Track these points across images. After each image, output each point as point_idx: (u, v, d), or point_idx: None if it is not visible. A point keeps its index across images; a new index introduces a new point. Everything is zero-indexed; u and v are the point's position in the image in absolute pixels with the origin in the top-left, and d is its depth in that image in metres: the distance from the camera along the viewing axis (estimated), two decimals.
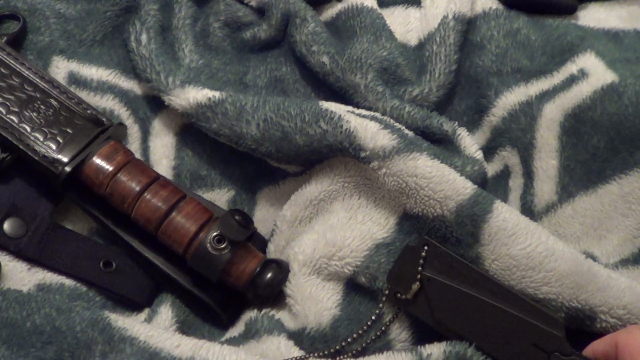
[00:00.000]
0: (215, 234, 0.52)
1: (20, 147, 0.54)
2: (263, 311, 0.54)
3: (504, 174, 0.61)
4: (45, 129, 0.55)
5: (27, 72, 0.57)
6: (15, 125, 0.54)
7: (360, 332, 0.53)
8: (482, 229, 0.51)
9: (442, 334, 0.51)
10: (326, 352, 0.52)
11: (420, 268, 0.51)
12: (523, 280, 0.50)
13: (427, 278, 0.51)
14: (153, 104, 0.62)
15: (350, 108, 0.58)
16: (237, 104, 0.57)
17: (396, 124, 0.57)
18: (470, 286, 0.50)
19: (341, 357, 0.52)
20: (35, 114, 0.55)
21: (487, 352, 0.49)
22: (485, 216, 0.51)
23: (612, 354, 0.45)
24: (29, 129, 0.54)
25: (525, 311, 0.49)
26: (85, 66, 0.61)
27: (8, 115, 0.54)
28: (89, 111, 0.57)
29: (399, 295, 0.51)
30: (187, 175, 0.61)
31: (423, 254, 0.51)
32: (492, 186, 0.61)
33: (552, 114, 0.59)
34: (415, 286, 0.51)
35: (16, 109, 0.55)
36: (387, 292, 0.52)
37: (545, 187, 0.59)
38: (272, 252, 0.58)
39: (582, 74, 0.60)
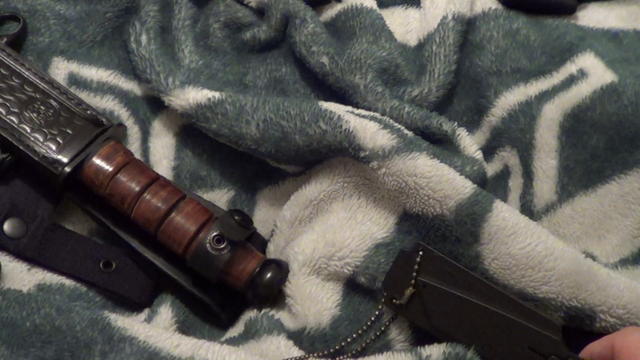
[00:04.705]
0: (214, 234, 0.52)
1: (20, 147, 0.54)
2: (263, 311, 0.54)
3: (504, 174, 0.61)
4: (45, 130, 0.55)
5: (27, 73, 0.57)
6: (15, 126, 0.54)
7: (359, 332, 0.53)
8: (482, 228, 0.51)
9: (439, 338, 0.51)
10: (326, 352, 0.52)
11: (415, 273, 0.51)
12: (522, 279, 0.50)
13: (423, 283, 0.51)
14: (153, 104, 0.62)
15: (349, 108, 0.58)
16: (237, 105, 0.57)
17: (396, 124, 0.57)
18: (466, 291, 0.50)
19: (341, 357, 0.52)
20: (35, 115, 0.55)
21: (483, 356, 0.49)
22: (485, 215, 0.51)
23: (608, 355, 0.45)
24: (29, 130, 0.54)
25: (522, 315, 0.49)
26: (85, 67, 0.61)
27: (8, 116, 0.55)
28: (88, 112, 0.57)
29: (395, 300, 0.51)
30: (187, 176, 0.61)
31: (418, 259, 0.51)
32: (492, 186, 0.61)
33: (552, 114, 0.59)
34: (409, 291, 0.51)
35: (16, 110, 0.55)
36: (384, 297, 0.52)
37: (545, 187, 0.59)
38: (272, 252, 0.58)
39: (582, 74, 0.60)
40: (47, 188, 0.55)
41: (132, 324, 0.49)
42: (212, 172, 0.62)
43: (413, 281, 0.51)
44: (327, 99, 0.61)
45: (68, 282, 0.54)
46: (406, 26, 0.66)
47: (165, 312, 0.54)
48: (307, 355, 0.51)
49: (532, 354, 0.48)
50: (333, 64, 0.60)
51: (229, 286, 0.54)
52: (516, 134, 0.60)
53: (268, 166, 0.60)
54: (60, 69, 0.60)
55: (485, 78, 0.62)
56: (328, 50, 0.61)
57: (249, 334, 0.53)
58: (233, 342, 0.53)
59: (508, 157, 0.61)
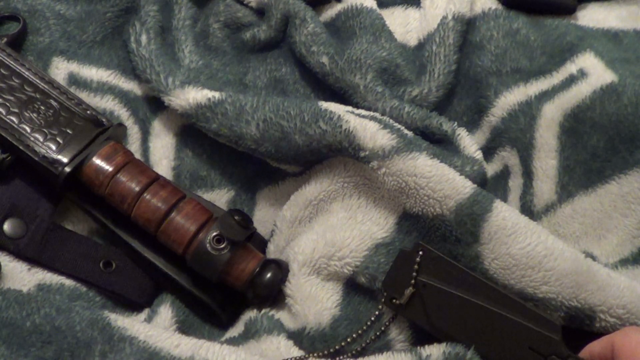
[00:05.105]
0: (214, 234, 0.52)
1: (20, 147, 0.54)
2: (263, 311, 0.54)
3: (504, 174, 0.61)
4: (45, 130, 0.55)
5: (27, 73, 0.57)
6: (15, 126, 0.54)
7: (359, 332, 0.53)
8: (482, 228, 0.51)
9: (439, 338, 0.51)
10: (326, 352, 0.52)
11: (414, 273, 0.51)
12: (522, 279, 0.50)
13: (423, 283, 0.51)
14: (153, 104, 0.62)
15: (349, 108, 0.58)
16: (237, 104, 0.57)
17: (395, 124, 0.57)
18: (465, 290, 0.50)
19: (341, 357, 0.52)
20: (35, 115, 0.55)
21: (483, 356, 0.49)
22: (485, 215, 0.51)
23: (608, 355, 0.45)
24: (29, 130, 0.54)
25: (522, 314, 0.49)
26: (85, 67, 0.61)
27: (8, 116, 0.55)
28: (88, 112, 0.57)
29: (394, 300, 0.51)
30: (187, 176, 0.61)
31: (417, 259, 0.51)
32: (492, 186, 0.61)
33: (552, 113, 0.59)
34: (409, 291, 0.51)
35: (16, 110, 0.55)
36: (384, 297, 0.52)
37: (545, 187, 0.59)
38: (272, 252, 0.58)
39: (582, 74, 0.60)
40: (47, 188, 0.55)
41: (132, 324, 0.49)
42: (212, 172, 0.62)
43: (413, 281, 0.51)
44: (327, 99, 0.61)
45: (68, 282, 0.54)
46: (406, 26, 0.66)
47: (165, 312, 0.54)
48: (307, 355, 0.51)
49: (532, 354, 0.48)
50: (333, 64, 0.60)
51: (229, 286, 0.54)
52: (516, 134, 0.60)
53: (268, 166, 0.60)
54: (60, 69, 0.60)
55: (485, 78, 0.62)
56: (328, 50, 0.61)
57: (249, 334, 0.53)
58: (233, 342, 0.53)
59: (508, 157, 0.61)
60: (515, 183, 0.60)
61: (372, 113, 0.58)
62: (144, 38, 0.62)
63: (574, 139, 0.59)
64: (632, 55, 0.62)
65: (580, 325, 0.51)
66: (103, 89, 0.61)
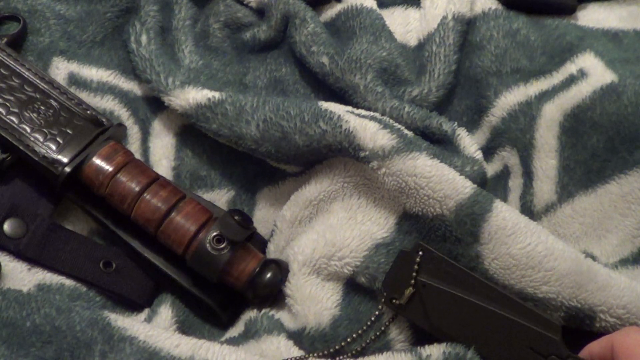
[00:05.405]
0: (214, 234, 0.52)
1: (21, 147, 0.54)
2: (263, 311, 0.54)
3: (504, 174, 0.61)
4: (45, 130, 0.55)
5: (27, 73, 0.57)
6: (16, 126, 0.54)
7: (359, 332, 0.53)
8: (482, 228, 0.51)
9: (439, 338, 0.51)
10: (326, 352, 0.52)
11: (414, 273, 0.51)
12: (522, 279, 0.50)
13: (422, 283, 0.51)
14: (153, 104, 0.62)
15: (349, 108, 0.58)
16: (237, 105, 0.57)
17: (395, 124, 0.57)
18: (465, 291, 0.50)
19: (341, 357, 0.52)
20: (35, 115, 0.55)
21: (483, 356, 0.49)
22: (485, 215, 0.51)
23: (608, 355, 0.45)
24: (29, 130, 0.54)
25: (522, 315, 0.49)
26: (85, 67, 0.61)
27: (8, 116, 0.55)
28: (88, 112, 0.57)
29: (394, 300, 0.51)
30: (187, 176, 0.61)
31: (417, 259, 0.51)
32: (492, 186, 0.61)
33: (552, 114, 0.59)
34: (408, 291, 0.51)
35: (16, 110, 0.55)
36: (384, 297, 0.52)
37: (545, 187, 0.59)
38: (272, 252, 0.58)
39: (582, 74, 0.60)
40: (47, 188, 0.55)
41: (132, 324, 0.49)
42: (212, 172, 0.62)
43: (413, 281, 0.51)
44: (327, 99, 0.61)
45: (68, 282, 0.54)
46: (406, 26, 0.66)
47: (165, 312, 0.54)
48: (307, 355, 0.51)
49: (532, 354, 0.48)
50: (333, 64, 0.60)
51: (229, 286, 0.54)
52: (516, 134, 0.60)
53: (268, 166, 0.60)
54: (60, 69, 0.60)
55: (485, 78, 0.62)
56: (328, 50, 0.61)
57: (249, 334, 0.53)
58: (233, 342, 0.53)
59: (508, 157, 0.61)
60: (515, 183, 0.60)
61: (372, 113, 0.58)
62: (144, 38, 0.62)
63: (574, 139, 0.59)
64: (632, 55, 0.62)
65: (580, 325, 0.51)
66: (103, 89, 0.61)
